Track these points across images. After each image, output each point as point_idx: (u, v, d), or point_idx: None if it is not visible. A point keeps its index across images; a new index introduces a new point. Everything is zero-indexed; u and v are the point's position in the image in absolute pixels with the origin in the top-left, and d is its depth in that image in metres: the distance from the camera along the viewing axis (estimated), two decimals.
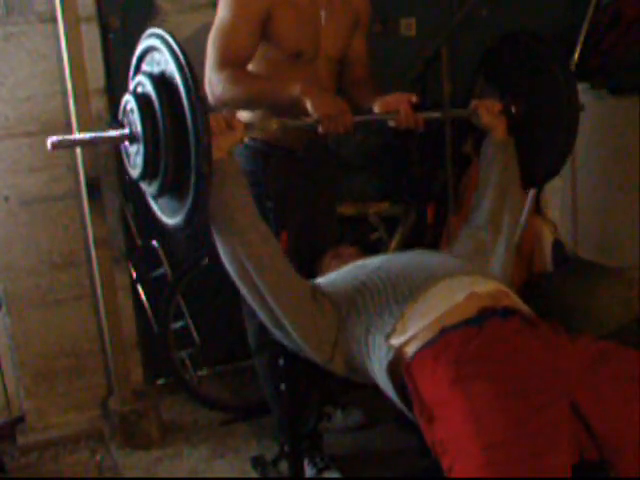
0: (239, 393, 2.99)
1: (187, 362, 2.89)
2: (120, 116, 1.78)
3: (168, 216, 1.81)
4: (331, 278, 1.94)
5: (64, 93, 2.54)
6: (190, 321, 2.87)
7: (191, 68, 1.61)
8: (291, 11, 2.10)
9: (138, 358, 2.92)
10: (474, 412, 1.43)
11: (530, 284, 3.19)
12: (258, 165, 2.21)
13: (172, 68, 1.63)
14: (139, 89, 1.74)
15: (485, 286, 1.74)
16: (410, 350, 1.64)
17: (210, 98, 2.04)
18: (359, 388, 2.61)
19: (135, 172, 1.78)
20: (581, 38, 3.02)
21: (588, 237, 3.50)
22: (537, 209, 3.33)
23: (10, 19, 2.51)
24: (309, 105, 1.96)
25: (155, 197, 1.83)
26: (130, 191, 2.84)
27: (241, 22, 2.05)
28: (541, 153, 2.20)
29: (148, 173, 1.74)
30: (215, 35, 2.07)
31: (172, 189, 1.74)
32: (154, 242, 2.88)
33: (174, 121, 1.64)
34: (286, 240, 2.19)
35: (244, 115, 2.15)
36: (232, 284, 2.37)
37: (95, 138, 1.95)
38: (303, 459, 2.33)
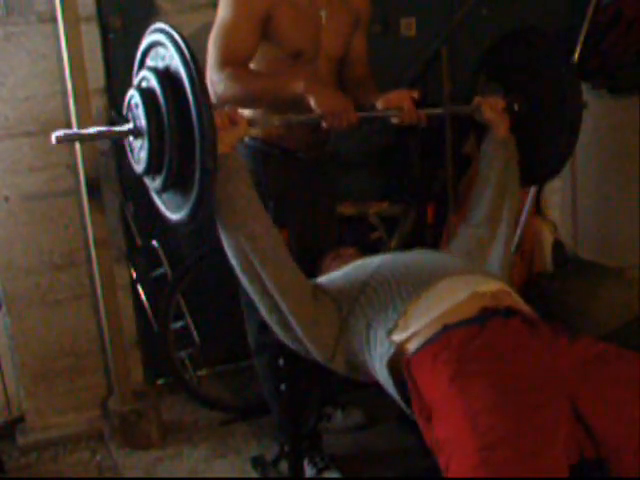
0: (239, 393, 2.99)
1: (187, 362, 2.89)
2: (124, 111, 1.78)
3: (172, 211, 1.81)
4: (332, 277, 1.94)
5: (64, 93, 2.54)
6: (190, 321, 2.87)
7: (196, 63, 1.61)
8: (291, 10, 2.10)
9: (138, 358, 2.92)
10: (471, 411, 1.43)
11: (530, 284, 3.20)
12: (258, 165, 2.21)
13: (177, 63, 1.63)
14: (143, 84, 1.74)
15: (487, 286, 1.75)
16: (411, 347, 1.64)
17: (212, 97, 2.04)
18: (359, 388, 2.63)
19: (139, 167, 1.78)
20: (581, 38, 3.02)
21: (588, 237, 3.50)
22: (537, 209, 3.33)
23: (10, 19, 2.51)
24: (312, 101, 1.96)
25: (159, 192, 1.83)
26: (130, 191, 2.85)
27: (242, 21, 2.05)
28: (543, 151, 2.20)
29: (152, 168, 1.74)
30: (216, 34, 2.07)
31: (176, 184, 1.74)
32: (154, 242, 2.88)
33: (179, 116, 1.64)
34: (286, 240, 2.19)
35: (246, 113, 2.15)
36: (232, 284, 2.38)
37: (99, 133, 1.95)
38: (303, 459, 2.33)
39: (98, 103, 2.62)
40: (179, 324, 2.87)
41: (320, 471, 2.40)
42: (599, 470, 1.46)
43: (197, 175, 1.64)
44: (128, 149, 1.82)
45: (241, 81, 2.03)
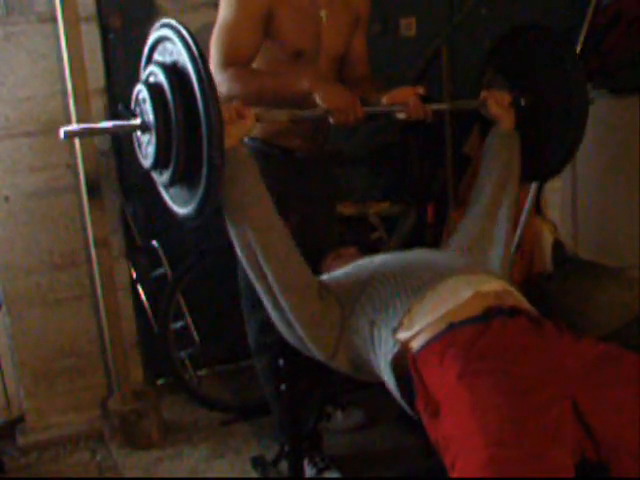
0: (239, 393, 2.99)
1: (187, 362, 2.90)
2: (132, 106, 1.78)
3: (179, 205, 1.81)
4: (333, 276, 1.94)
5: (64, 93, 2.54)
6: (190, 321, 2.87)
7: (203, 59, 1.62)
8: (292, 10, 2.10)
9: (138, 358, 2.92)
10: (479, 408, 1.43)
11: (530, 284, 3.20)
12: (258, 165, 2.21)
13: (184, 58, 1.63)
14: (151, 79, 1.74)
15: (490, 285, 1.74)
16: (416, 344, 1.64)
17: None
18: (359, 388, 2.63)
19: (147, 162, 1.78)
20: (581, 38, 3.02)
21: (588, 237, 3.50)
22: (537, 209, 3.33)
23: (10, 19, 2.51)
24: (318, 98, 1.97)
25: (166, 187, 1.83)
26: (130, 191, 2.85)
27: (244, 21, 2.04)
28: (549, 146, 2.20)
29: (160, 163, 1.74)
30: (218, 34, 2.06)
31: (183, 179, 1.74)
32: (154, 242, 2.88)
33: (186, 111, 1.64)
34: None
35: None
36: (232, 284, 2.38)
37: (107, 127, 1.95)
38: (303, 459, 2.33)
39: (98, 103, 2.62)
40: (179, 324, 2.87)
41: (320, 471, 2.40)
42: (599, 470, 1.46)
43: (204, 170, 1.64)
44: (136, 144, 1.82)
45: (245, 81, 2.03)
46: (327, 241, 2.37)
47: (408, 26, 3.19)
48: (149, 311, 2.90)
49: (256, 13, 2.05)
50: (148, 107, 1.70)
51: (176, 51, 1.68)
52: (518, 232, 3.10)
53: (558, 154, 2.22)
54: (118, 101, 2.68)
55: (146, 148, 1.76)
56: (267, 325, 2.22)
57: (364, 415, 2.72)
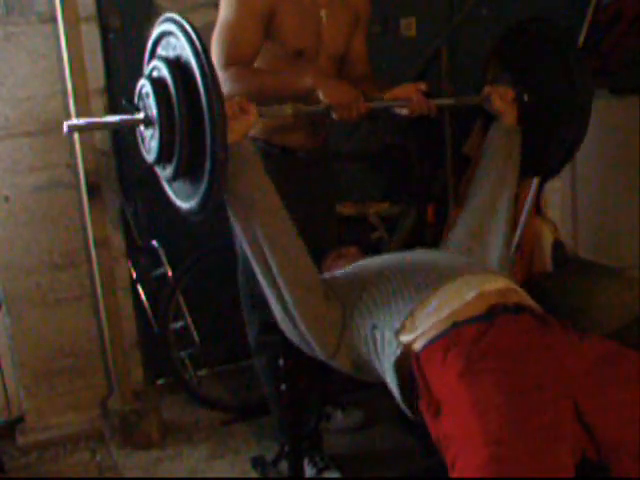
0: (239, 393, 2.99)
1: (187, 362, 2.89)
2: (136, 100, 1.78)
3: (182, 200, 1.81)
4: (334, 276, 1.94)
5: (64, 93, 2.54)
6: (190, 321, 2.87)
7: (207, 53, 1.62)
8: (293, 9, 2.11)
9: (138, 358, 2.91)
10: (481, 407, 1.43)
11: (530, 284, 3.19)
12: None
13: (188, 53, 1.63)
14: (155, 73, 1.74)
15: (494, 284, 1.74)
16: (419, 344, 1.63)
17: None
18: (359, 388, 2.63)
19: (150, 156, 1.78)
20: (581, 38, 3.02)
21: (588, 237, 3.50)
22: (537, 209, 3.33)
23: (10, 19, 2.51)
24: (321, 94, 1.97)
25: (169, 181, 1.84)
26: (130, 191, 2.85)
27: (245, 20, 2.05)
28: (553, 141, 2.20)
29: (163, 157, 1.74)
30: (219, 34, 2.06)
31: (187, 173, 1.75)
32: (154, 242, 2.88)
33: (189, 106, 1.64)
34: None
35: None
36: (232, 284, 2.38)
37: (110, 122, 1.95)
38: (303, 459, 2.33)
39: (98, 103, 2.62)
40: (179, 324, 2.87)
41: (320, 471, 2.40)
42: (599, 470, 1.46)
43: (207, 165, 1.64)
44: (139, 138, 1.82)
45: (247, 80, 2.03)
46: (327, 241, 2.37)
47: (408, 26, 3.19)
48: (149, 311, 2.90)
49: (257, 12, 2.05)
50: (151, 101, 1.70)
51: (179, 46, 1.68)
52: (518, 232, 3.10)
53: (560, 151, 2.22)
54: (118, 102, 2.68)
55: (149, 142, 1.77)
56: (267, 325, 2.23)
57: (364, 415, 2.72)
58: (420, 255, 1.99)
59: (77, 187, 2.64)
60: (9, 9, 2.50)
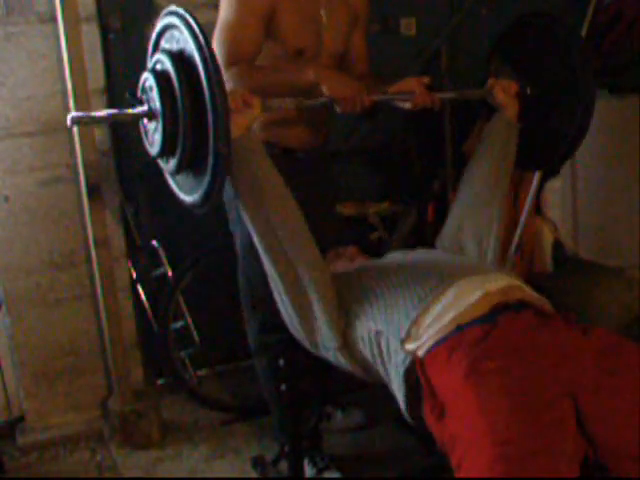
0: (239, 393, 2.99)
1: (187, 362, 2.89)
2: (139, 93, 1.78)
3: (186, 193, 1.82)
4: (337, 278, 1.93)
5: (64, 93, 2.54)
6: (190, 321, 2.87)
7: (210, 47, 1.62)
8: (293, 8, 2.11)
9: (138, 358, 2.91)
10: (487, 407, 1.43)
11: (530, 284, 3.19)
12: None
13: (191, 47, 1.63)
14: (158, 66, 1.74)
15: (497, 283, 1.73)
16: (423, 349, 1.63)
17: None
18: (359, 388, 2.63)
19: (153, 149, 1.78)
20: None
21: (588, 237, 3.50)
22: (537, 209, 3.33)
23: (10, 19, 2.51)
24: (325, 88, 1.97)
25: (173, 174, 1.84)
26: (130, 191, 2.85)
27: (246, 19, 2.05)
28: (554, 137, 2.21)
29: (166, 150, 1.74)
30: (220, 34, 2.06)
31: (190, 167, 1.75)
32: (154, 242, 2.88)
33: (193, 99, 1.64)
34: None
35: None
36: (232, 284, 2.38)
37: (115, 115, 1.95)
38: (303, 459, 2.33)
39: (98, 103, 2.61)
40: (179, 324, 2.87)
41: (320, 471, 2.40)
42: (599, 470, 1.46)
43: (210, 159, 1.65)
44: (142, 132, 1.82)
45: (249, 78, 2.03)
46: (327, 241, 2.36)
47: (408, 26, 3.19)
48: (149, 311, 2.90)
49: (257, 11, 2.05)
50: (155, 94, 1.71)
51: (183, 39, 1.68)
52: (518, 232, 3.10)
53: (562, 145, 2.22)
54: (118, 102, 2.67)
55: (153, 136, 1.77)
56: (267, 325, 2.23)
57: (364, 415, 2.72)
58: (421, 257, 1.98)
59: (77, 187, 2.63)
60: (9, 9, 2.50)
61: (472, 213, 2.10)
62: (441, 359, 1.56)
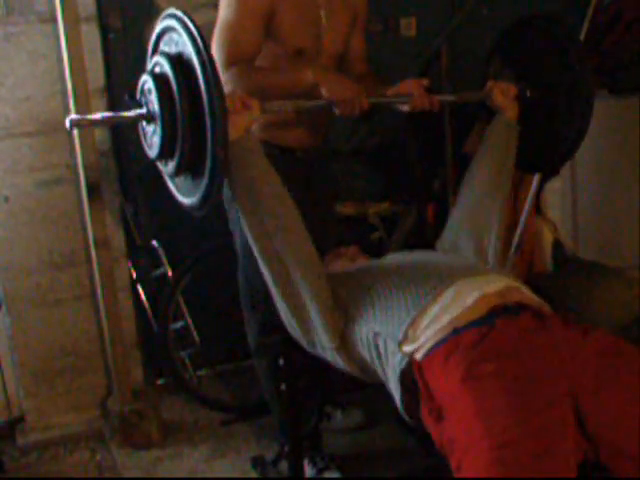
0: (239, 393, 2.99)
1: (187, 362, 2.89)
2: (138, 96, 1.78)
3: (184, 195, 1.82)
4: (335, 276, 1.93)
5: (64, 93, 2.54)
6: (190, 321, 2.87)
7: (208, 50, 1.62)
8: (293, 9, 2.11)
9: (138, 358, 2.91)
10: (483, 410, 1.43)
11: (530, 284, 3.19)
12: None
13: (189, 50, 1.64)
14: (157, 69, 1.74)
15: (494, 285, 1.72)
16: (421, 353, 1.62)
17: None
18: (359, 388, 2.63)
19: (152, 152, 1.79)
20: (581, 38, 3.02)
21: (588, 237, 3.50)
22: (537, 209, 3.33)
23: (10, 19, 2.51)
24: (323, 90, 1.98)
25: (171, 177, 1.84)
26: (130, 191, 2.85)
27: (246, 19, 2.05)
28: (554, 138, 2.21)
29: (165, 153, 1.75)
30: (220, 34, 2.06)
31: (188, 169, 1.75)
32: (154, 242, 2.88)
33: (191, 102, 1.65)
34: None
35: None
36: (232, 284, 2.38)
37: (114, 117, 1.95)
38: (303, 459, 2.33)
39: (98, 103, 2.61)
40: (179, 324, 2.87)
41: (320, 471, 2.40)
42: (599, 470, 1.46)
43: (208, 164, 1.65)
44: (141, 134, 1.82)
45: (248, 79, 2.03)
46: (327, 241, 2.36)
47: (408, 26, 3.19)
48: (149, 311, 2.90)
49: (257, 12, 2.05)
50: (153, 97, 1.71)
51: (181, 42, 1.68)
52: (518, 232, 3.10)
53: (562, 147, 2.22)
54: (118, 102, 2.68)
55: (151, 138, 1.78)
56: (267, 325, 2.23)
57: (364, 415, 2.72)
58: (420, 258, 1.98)
59: (77, 187, 2.64)
60: (9, 9, 2.50)
61: (473, 215, 2.10)
62: (438, 362, 1.56)
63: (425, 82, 2.12)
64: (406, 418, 1.70)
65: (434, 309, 1.67)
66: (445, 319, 1.64)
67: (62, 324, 2.76)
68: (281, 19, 2.09)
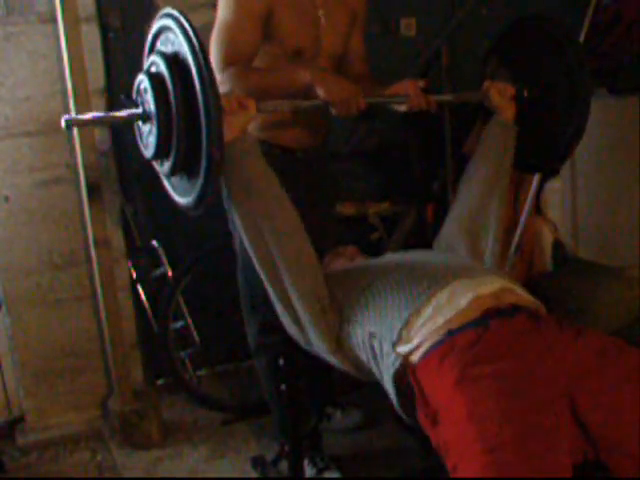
0: (239, 393, 2.99)
1: (187, 362, 2.90)
2: (134, 95, 1.78)
3: (180, 195, 1.82)
4: (332, 276, 1.93)
5: (64, 93, 2.54)
6: (190, 321, 2.87)
7: (204, 50, 1.62)
8: (291, 9, 2.11)
9: (138, 358, 2.91)
10: (477, 414, 1.43)
11: (530, 284, 3.20)
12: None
13: (185, 50, 1.64)
14: (153, 69, 1.74)
15: (489, 286, 1.72)
16: (416, 355, 1.62)
17: None
18: (359, 388, 2.63)
19: (148, 152, 1.79)
20: (581, 38, 3.02)
21: (588, 237, 3.50)
22: (537, 209, 3.33)
23: (10, 19, 2.51)
24: (320, 90, 1.97)
25: (167, 176, 1.84)
26: (130, 191, 2.85)
27: (244, 20, 2.05)
28: (551, 138, 2.20)
29: (161, 153, 1.74)
30: (218, 35, 2.06)
31: (184, 169, 1.75)
32: (154, 242, 2.88)
33: (187, 102, 1.65)
34: None
35: None
36: (232, 284, 2.38)
37: (109, 117, 1.94)
38: (303, 459, 2.33)
39: (98, 103, 2.62)
40: (179, 324, 2.87)
41: (320, 471, 2.40)
42: (599, 470, 1.46)
43: (203, 164, 1.65)
44: (137, 134, 1.82)
45: (246, 79, 2.03)
46: (327, 241, 2.36)
47: (408, 26, 3.19)
48: (149, 311, 2.90)
49: (255, 12, 2.05)
50: (149, 97, 1.71)
51: (177, 42, 1.68)
52: (518, 232, 3.10)
53: (560, 147, 2.22)
54: (118, 101, 2.68)
55: (147, 138, 1.77)
56: (267, 326, 2.23)
57: (363, 415, 2.72)
58: (417, 258, 1.98)
59: (77, 187, 2.64)
60: (9, 9, 2.50)
61: (470, 215, 2.10)
62: (433, 366, 1.56)
63: (421, 83, 2.12)
64: (403, 415, 1.70)
65: (428, 310, 1.66)
66: (439, 321, 1.63)
67: (62, 324, 2.77)
68: (279, 20, 2.09)
